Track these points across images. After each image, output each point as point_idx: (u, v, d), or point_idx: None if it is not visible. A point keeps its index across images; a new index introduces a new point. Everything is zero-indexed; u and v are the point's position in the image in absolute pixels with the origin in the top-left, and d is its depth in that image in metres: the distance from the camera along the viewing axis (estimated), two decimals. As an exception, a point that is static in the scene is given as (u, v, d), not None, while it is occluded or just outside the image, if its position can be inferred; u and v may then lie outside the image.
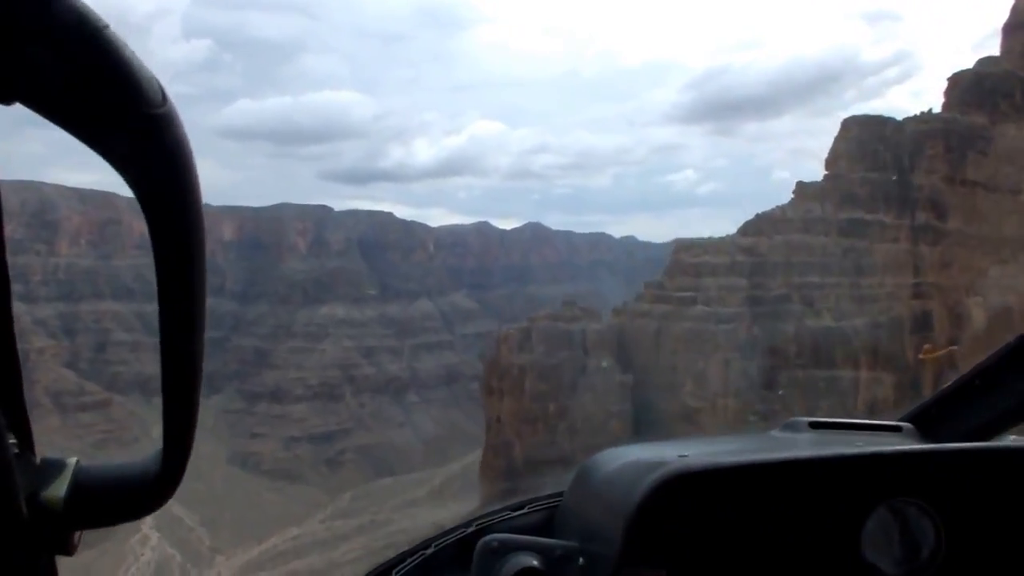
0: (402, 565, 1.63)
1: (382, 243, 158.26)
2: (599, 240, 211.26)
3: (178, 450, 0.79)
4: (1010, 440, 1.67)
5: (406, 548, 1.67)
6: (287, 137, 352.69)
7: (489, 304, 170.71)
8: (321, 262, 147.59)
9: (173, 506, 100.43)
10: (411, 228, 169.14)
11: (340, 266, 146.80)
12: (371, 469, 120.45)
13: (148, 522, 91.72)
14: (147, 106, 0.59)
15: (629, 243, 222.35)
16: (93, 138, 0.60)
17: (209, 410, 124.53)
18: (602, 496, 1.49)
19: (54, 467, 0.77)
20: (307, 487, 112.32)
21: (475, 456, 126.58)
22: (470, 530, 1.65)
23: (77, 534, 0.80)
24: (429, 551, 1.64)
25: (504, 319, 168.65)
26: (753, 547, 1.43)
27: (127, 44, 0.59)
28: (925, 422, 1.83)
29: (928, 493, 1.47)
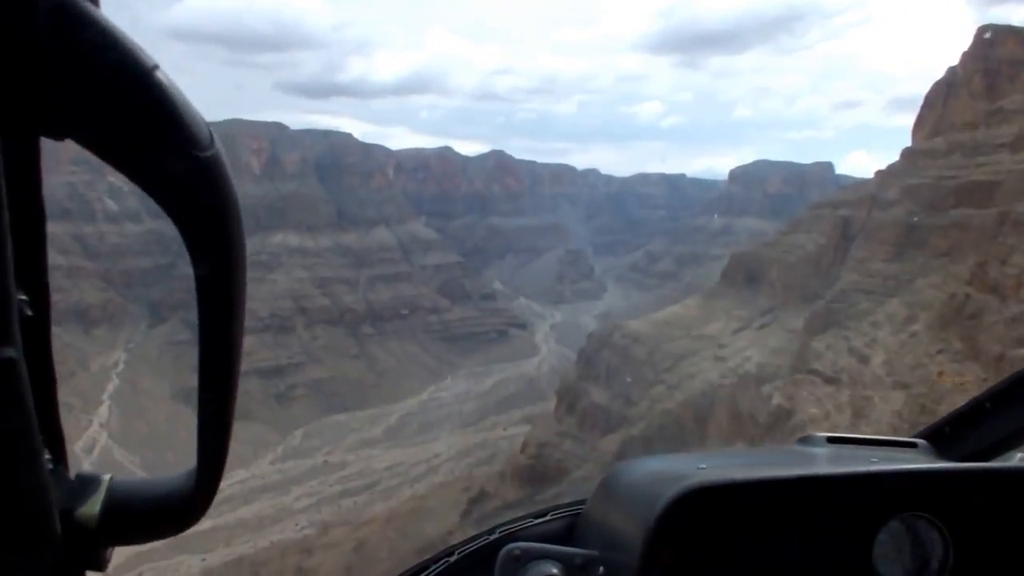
0: (426, 573, 1.65)
1: (340, 166, 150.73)
2: (562, 172, 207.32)
3: (211, 468, 0.78)
4: (1018, 459, 1.78)
5: (429, 556, 1.68)
6: (240, 42, 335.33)
7: (449, 234, 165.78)
8: (275, 185, 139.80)
9: (113, 449, 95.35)
10: (371, 151, 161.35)
11: (295, 190, 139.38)
12: (323, 405, 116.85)
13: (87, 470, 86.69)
14: (196, 148, 0.61)
15: (592, 176, 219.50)
16: (141, 178, 0.62)
17: (153, 341, 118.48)
18: (623, 507, 1.53)
19: (88, 483, 0.78)
20: (256, 424, 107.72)
21: (431, 393, 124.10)
22: (493, 537, 1.68)
23: (109, 550, 0.79)
24: (453, 558, 1.66)
25: (464, 251, 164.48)
26: (768, 560, 1.50)
27: (176, 85, 0.60)
28: (939, 440, 1.89)
29: (938, 509, 1.55)
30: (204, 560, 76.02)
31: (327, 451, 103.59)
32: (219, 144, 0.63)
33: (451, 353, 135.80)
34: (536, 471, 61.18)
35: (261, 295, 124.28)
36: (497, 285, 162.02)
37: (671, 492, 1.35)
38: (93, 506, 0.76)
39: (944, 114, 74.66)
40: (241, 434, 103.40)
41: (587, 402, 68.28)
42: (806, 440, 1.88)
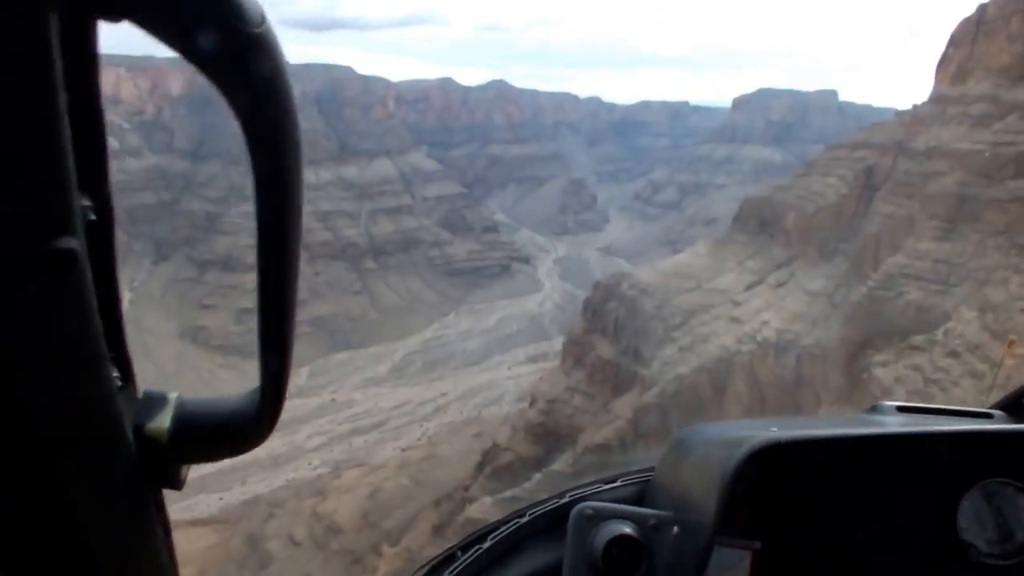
0: (497, 532, 1.66)
1: (340, 99, 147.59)
2: (564, 100, 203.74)
3: (274, 389, 0.78)
4: None
5: (500, 517, 1.72)
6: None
7: (451, 164, 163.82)
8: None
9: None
10: (370, 83, 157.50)
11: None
12: (328, 342, 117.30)
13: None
14: (246, 25, 0.60)
15: (594, 104, 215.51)
16: (194, 55, 0.61)
17: (157, 279, 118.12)
18: (696, 467, 1.52)
19: (156, 401, 0.79)
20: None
21: (434, 330, 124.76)
22: (564, 500, 1.68)
23: (184, 468, 0.81)
24: (524, 519, 1.67)
25: (466, 180, 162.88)
26: (846, 520, 1.47)
27: None
28: (1016, 411, 1.84)
29: (1023, 474, 1.50)
30: (221, 499, 77.61)
31: (333, 390, 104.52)
32: (270, 23, 0.62)
33: (454, 288, 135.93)
34: (547, 428, 61.77)
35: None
36: (499, 216, 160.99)
37: (746, 448, 1.33)
38: (163, 421, 0.77)
39: (973, 53, 68.90)
40: (247, 372, 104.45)
41: (595, 357, 68.17)
42: (875, 409, 1.83)
